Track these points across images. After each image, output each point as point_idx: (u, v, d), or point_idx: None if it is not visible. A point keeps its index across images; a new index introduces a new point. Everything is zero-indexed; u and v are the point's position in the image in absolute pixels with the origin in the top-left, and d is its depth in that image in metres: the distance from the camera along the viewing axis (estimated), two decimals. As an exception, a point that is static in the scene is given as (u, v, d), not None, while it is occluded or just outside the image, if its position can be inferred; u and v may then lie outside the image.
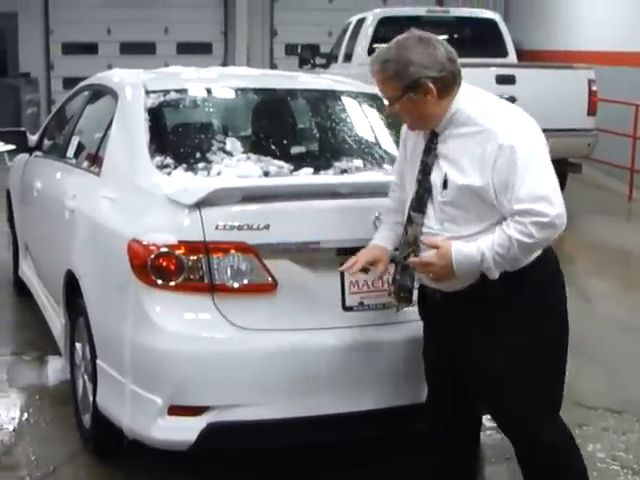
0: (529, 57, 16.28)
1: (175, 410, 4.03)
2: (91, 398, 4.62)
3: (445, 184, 3.50)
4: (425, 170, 3.60)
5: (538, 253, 3.53)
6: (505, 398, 3.62)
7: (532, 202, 3.32)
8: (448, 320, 3.69)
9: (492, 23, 13.29)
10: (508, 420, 3.70)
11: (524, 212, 3.32)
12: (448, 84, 3.53)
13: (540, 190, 3.34)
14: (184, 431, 4.04)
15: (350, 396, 4.16)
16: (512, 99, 10.88)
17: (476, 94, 3.61)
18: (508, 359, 3.54)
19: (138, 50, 19.61)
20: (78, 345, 4.94)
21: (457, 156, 3.48)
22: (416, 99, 3.51)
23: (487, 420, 5.32)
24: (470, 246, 3.43)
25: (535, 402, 3.59)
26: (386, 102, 3.65)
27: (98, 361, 4.47)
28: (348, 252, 4.14)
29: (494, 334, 3.55)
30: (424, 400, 4.19)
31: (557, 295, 3.66)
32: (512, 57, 13.17)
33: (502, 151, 3.34)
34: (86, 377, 4.78)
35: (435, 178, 3.55)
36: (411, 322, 4.24)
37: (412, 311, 4.23)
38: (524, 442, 3.68)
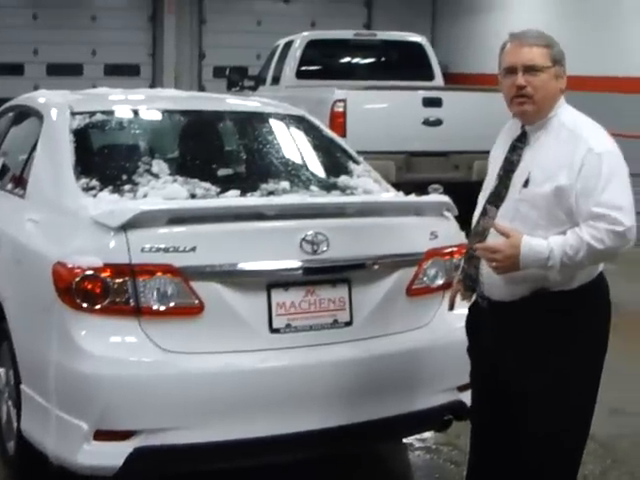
0: (456, 80, 16.47)
1: (101, 435, 3.98)
2: (15, 424, 4.54)
3: (526, 183, 3.58)
4: (507, 167, 3.70)
5: (591, 277, 3.62)
6: (529, 421, 3.67)
7: (610, 209, 3.41)
8: (491, 331, 3.75)
9: (419, 46, 13.39)
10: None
11: (601, 216, 3.41)
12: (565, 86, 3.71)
13: (619, 201, 3.43)
14: (110, 456, 3.99)
15: (278, 418, 4.14)
16: (439, 121, 11.01)
17: (572, 108, 3.72)
18: (537, 377, 3.61)
19: (65, 71, 19.49)
20: (1, 370, 4.85)
21: (543, 158, 3.58)
22: (558, 76, 3.64)
23: (416, 440, 5.38)
24: (540, 240, 3.49)
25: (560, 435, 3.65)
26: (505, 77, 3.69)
27: (22, 386, 4.40)
28: (274, 274, 4.17)
29: (531, 351, 3.62)
30: (354, 421, 4.23)
31: (603, 326, 3.72)
32: (439, 80, 13.28)
33: (591, 157, 3.46)
34: (10, 403, 4.70)
35: (517, 176, 3.63)
36: (338, 344, 4.28)
37: (341, 332, 4.27)
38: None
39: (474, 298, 3.87)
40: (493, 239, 3.60)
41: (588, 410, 3.74)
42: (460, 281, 3.92)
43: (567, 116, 3.64)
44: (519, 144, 3.71)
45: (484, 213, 3.75)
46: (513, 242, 3.50)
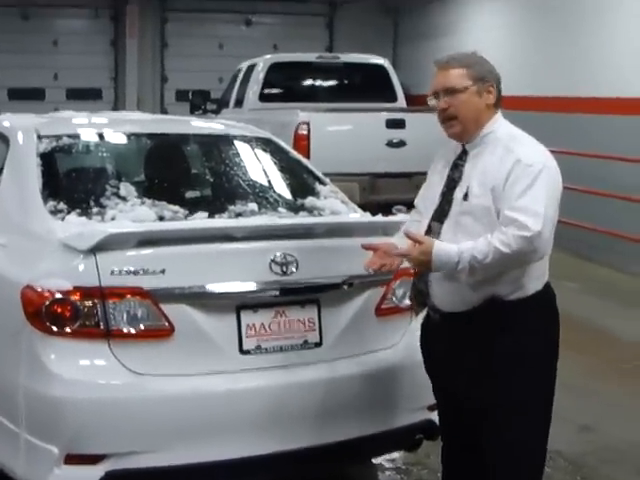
0: (418, 102, 16.51)
1: (72, 459, 3.96)
2: (-17, 450, 4.51)
3: (466, 196, 3.69)
4: (450, 185, 3.81)
5: (538, 288, 3.72)
6: (486, 432, 3.74)
7: (521, 214, 3.48)
8: (445, 343, 3.81)
9: (381, 68, 13.45)
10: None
11: (512, 221, 3.49)
12: (498, 100, 3.83)
13: (534, 207, 3.50)
14: (81, 480, 3.97)
15: (249, 440, 4.14)
16: (402, 143, 11.08)
17: (509, 124, 3.85)
18: (494, 389, 3.68)
19: (27, 96, 19.35)
20: (-31, 395, 4.81)
21: (480, 171, 3.69)
22: (481, 93, 3.77)
23: (385, 460, 5.39)
24: (451, 246, 3.59)
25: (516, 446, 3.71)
26: (432, 101, 3.88)
27: (-10, 411, 4.37)
28: (244, 296, 4.19)
29: (485, 362, 3.69)
30: (324, 442, 4.24)
31: (554, 334, 3.81)
32: (401, 101, 13.34)
33: (517, 167, 3.58)
34: (-22, 428, 4.66)
35: (458, 192, 3.74)
36: (308, 365, 4.29)
37: (311, 353, 4.28)
38: None
39: (425, 313, 3.96)
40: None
41: (546, 419, 3.81)
42: (413, 297, 4.01)
43: (503, 132, 3.76)
44: (460, 162, 3.83)
45: (429, 230, 3.83)
46: (424, 249, 3.61)
